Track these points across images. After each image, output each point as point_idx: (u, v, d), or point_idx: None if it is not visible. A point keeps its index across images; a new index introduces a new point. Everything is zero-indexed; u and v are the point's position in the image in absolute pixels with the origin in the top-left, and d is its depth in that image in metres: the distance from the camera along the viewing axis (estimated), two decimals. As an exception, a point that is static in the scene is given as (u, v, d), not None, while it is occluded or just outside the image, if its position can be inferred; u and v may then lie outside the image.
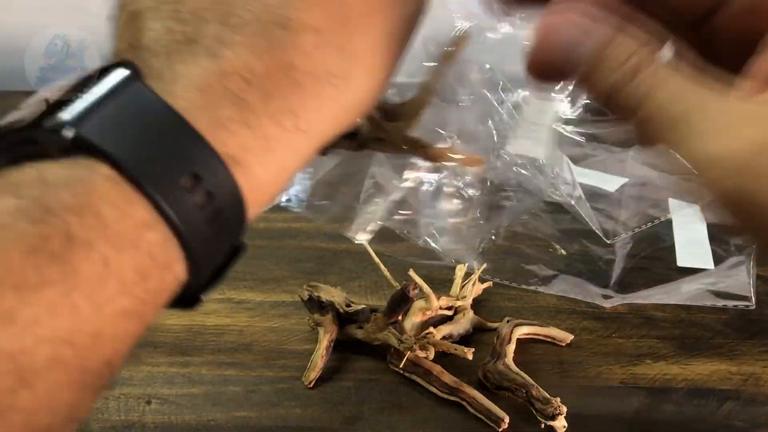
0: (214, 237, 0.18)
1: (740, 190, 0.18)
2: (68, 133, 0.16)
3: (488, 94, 0.50)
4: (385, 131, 0.30)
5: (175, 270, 0.18)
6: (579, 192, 0.53)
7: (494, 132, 0.51)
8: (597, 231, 0.51)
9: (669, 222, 0.53)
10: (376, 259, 0.42)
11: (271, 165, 0.19)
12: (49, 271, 0.15)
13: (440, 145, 0.31)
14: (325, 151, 0.30)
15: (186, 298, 0.19)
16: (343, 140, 0.30)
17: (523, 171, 0.54)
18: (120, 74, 0.18)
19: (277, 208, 0.54)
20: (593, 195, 0.54)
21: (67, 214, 0.15)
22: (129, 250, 0.16)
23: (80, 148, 0.16)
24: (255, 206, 0.20)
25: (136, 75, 0.18)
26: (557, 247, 0.51)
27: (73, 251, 0.15)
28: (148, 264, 0.17)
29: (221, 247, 0.19)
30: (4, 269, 0.15)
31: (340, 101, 0.20)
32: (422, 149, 0.31)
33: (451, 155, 0.31)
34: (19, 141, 0.17)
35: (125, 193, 0.16)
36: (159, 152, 0.17)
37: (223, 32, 0.19)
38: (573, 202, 0.53)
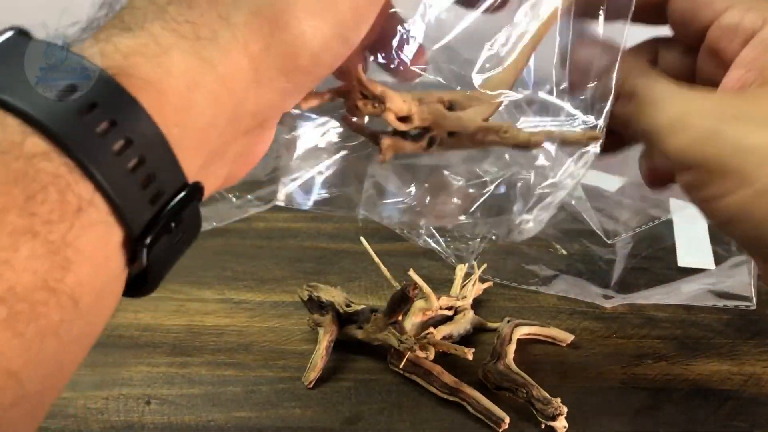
0: (116, 154, 0.17)
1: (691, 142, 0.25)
2: None
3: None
4: (453, 122, 0.27)
5: (72, 184, 0.17)
6: (580, 192, 0.53)
7: None
8: (598, 231, 0.50)
9: (670, 222, 0.53)
10: (376, 259, 0.42)
11: (174, 71, 0.18)
12: None
13: (536, 128, 0.29)
14: (387, 155, 0.29)
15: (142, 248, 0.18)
16: (408, 142, 0.28)
17: (523, 171, 0.53)
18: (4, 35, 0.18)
19: (277, 208, 0.54)
20: (593, 195, 0.54)
21: None
22: None
23: None
24: (177, 120, 0.18)
25: (22, 34, 0.19)
26: (558, 247, 0.50)
27: None
28: (27, 171, 0.16)
29: (140, 173, 0.18)
30: None
31: (260, 8, 0.20)
32: (510, 135, 0.28)
33: (566, 135, 0.28)
34: None
35: None
36: (11, 69, 0.17)
37: None
38: (573, 202, 0.53)
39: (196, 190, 0.20)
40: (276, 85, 0.21)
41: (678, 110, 0.25)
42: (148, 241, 0.18)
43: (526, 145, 0.28)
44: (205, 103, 0.19)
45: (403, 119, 0.27)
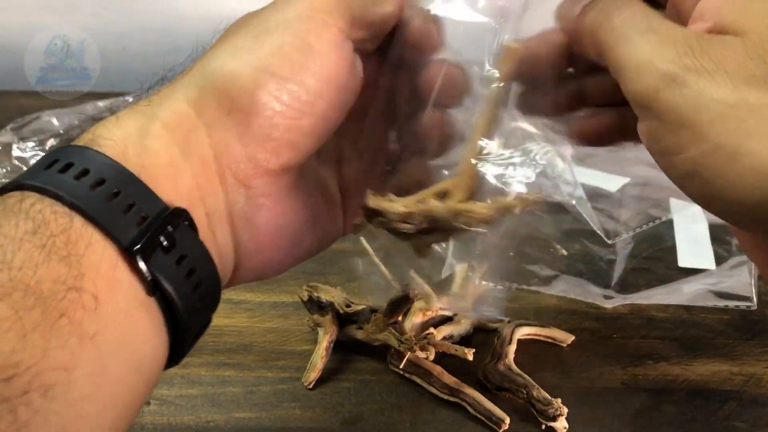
0: (91, 188, 0.21)
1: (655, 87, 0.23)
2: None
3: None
4: (440, 211, 0.28)
5: (62, 215, 0.20)
6: (580, 192, 0.53)
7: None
8: (598, 231, 0.50)
9: (670, 222, 0.53)
10: (376, 260, 0.42)
11: (128, 128, 0.24)
12: None
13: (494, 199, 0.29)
14: (423, 252, 0.30)
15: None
16: (432, 235, 0.29)
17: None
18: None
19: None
20: (594, 195, 0.54)
21: None
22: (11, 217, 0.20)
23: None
24: (141, 162, 0.23)
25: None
26: (558, 247, 0.50)
27: None
28: (23, 209, 0.20)
29: (119, 201, 0.22)
30: None
31: (198, 67, 0.26)
32: (474, 214, 0.28)
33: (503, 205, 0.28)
34: None
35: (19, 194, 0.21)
36: (41, 162, 0.22)
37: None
38: (574, 203, 0.53)
39: (181, 213, 0.23)
40: (226, 125, 0.25)
41: (645, 51, 0.24)
42: (137, 247, 0.21)
43: (487, 221, 0.28)
44: (158, 145, 0.24)
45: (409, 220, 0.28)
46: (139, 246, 0.21)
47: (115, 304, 0.20)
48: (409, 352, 0.38)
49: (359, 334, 0.41)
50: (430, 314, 0.41)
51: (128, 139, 0.23)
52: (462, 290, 0.44)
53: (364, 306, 0.42)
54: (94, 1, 0.68)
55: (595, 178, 0.57)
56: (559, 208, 0.53)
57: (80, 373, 0.19)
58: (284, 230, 0.27)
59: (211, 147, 0.25)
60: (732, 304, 0.45)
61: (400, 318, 0.39)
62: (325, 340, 0.40)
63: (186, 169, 0.24)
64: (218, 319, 0.44)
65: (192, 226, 0.24)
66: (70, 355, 0.19)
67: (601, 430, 0.38)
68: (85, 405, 0.19)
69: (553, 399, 0.37)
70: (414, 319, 0.41)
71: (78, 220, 0.21)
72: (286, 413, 0.38)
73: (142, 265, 0.21)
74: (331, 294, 0.42)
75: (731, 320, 0.45)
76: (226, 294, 0.46)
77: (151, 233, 0.22)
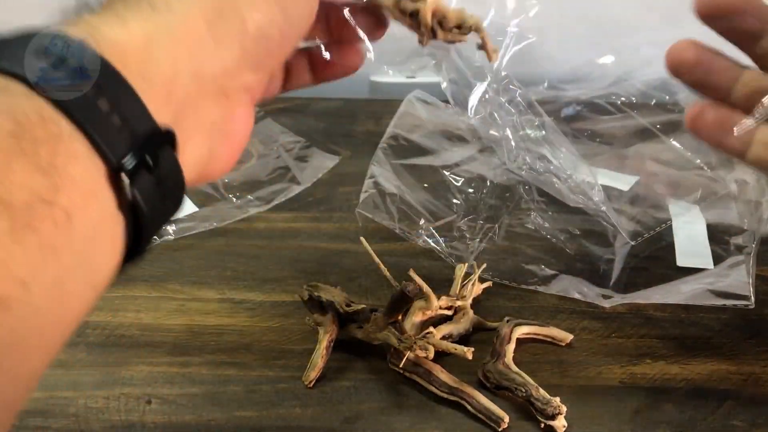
0: (89, 98, 0.20)
1: None
2: None
3: (502, 99, 0.49)
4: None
5: (55, 119, 0.20)
6: (602, 194, 0.52)
7: (510, 136, 0.50)
8: (623, 234, 0.50)
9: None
10: (376, 259, 0.42)
11: (133, 33, 0.23)
12: None
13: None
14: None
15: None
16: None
17: (540, 174, 0.53)
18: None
19: (277, 208, 0.54)
20: (607, 195, 0.53)
21: None
22: None
23: None
24: (140, 70, 0.22)
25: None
26: (557, 246, 0.50)
27: None
28: (12, 105, 0.19)
29: (113, 115, 0.21)
30: None
31: None
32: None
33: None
34: None
35: None
36: (12, 43, 0.21)
37: None
38: (596, 205, 0.52)
39: (170, 135, 0.23)
40: (230, 48, 0.25)
41: None
42: (128, 167, 0.21)
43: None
44: (163, 56, 0.23)
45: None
46: (127, 166, 0.21)
47: (86, 220, 0.20)
48: (408, 352, 0.38)
49: (359, 334, 0.41)
50: (429, 314, 0.41)
51: (131, 44, 0.22)
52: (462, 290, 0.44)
53: (364, 305, 0.42)
54: (94, 1, 0.68)
55: (606, 177, 0.56)
56: (558, 208, 0.53)
57: (38, 288, 0.19)
58: (247, 132, 0.29)
59: (213, 63, 0.25)
60: (730, 303, 0.45)
61: (399, 317, 0.40)
62: (325, 340, 0.41)
63: (184, 84, 0.24)
64: (219, 319, 0.44)
65: (175, 147, 0.24)
66: (31, 268, 0.18)
67: (599, 428, 0.38)
68: (39, 319, 0.19)
69: (552, 398, 0.37)
70: (414, 319, 0.41)
71: (67, 129, 0.20)
72: (286, 412, 0.38)
73: (126, 186, 0.21)
74: (331, 293, 0.42)
75: (729, 319, 0.45)
76: (227, 294, 0.46)
77: (140, 153, 0.21)
